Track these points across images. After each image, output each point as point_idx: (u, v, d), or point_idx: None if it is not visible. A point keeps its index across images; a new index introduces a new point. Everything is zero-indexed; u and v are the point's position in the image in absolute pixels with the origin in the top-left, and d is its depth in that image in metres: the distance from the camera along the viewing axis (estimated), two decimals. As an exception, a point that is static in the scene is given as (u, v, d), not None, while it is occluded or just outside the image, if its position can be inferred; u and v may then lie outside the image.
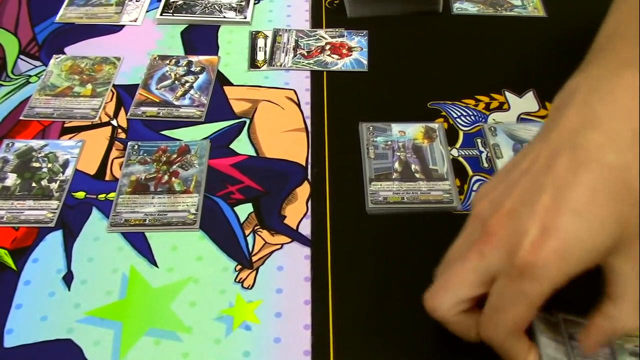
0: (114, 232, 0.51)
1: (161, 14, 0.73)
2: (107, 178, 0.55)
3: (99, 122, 0.61)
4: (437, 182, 0.54)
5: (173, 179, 0.55)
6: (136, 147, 0.58)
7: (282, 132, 0.60)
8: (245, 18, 0.72)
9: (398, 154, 0.57)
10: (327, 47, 0.68)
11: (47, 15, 0.73)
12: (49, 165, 0.56)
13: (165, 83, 0.64)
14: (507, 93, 0.63)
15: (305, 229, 0.51)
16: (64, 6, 0.75)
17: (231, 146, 0.58)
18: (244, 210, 0.53)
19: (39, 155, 0.57)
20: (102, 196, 0.54)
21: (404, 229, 0.51)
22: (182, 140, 0.58)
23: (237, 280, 0.48)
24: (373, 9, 0.72)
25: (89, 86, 0.64)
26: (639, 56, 0.39)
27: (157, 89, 0.64)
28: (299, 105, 0.62)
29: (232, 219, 0.52)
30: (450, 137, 0.59)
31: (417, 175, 0.55)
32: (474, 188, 0.54)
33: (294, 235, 0.51)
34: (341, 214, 0.52)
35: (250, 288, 0.48)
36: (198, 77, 0.65)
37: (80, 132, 0.60)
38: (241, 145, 0.58)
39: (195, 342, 0.44)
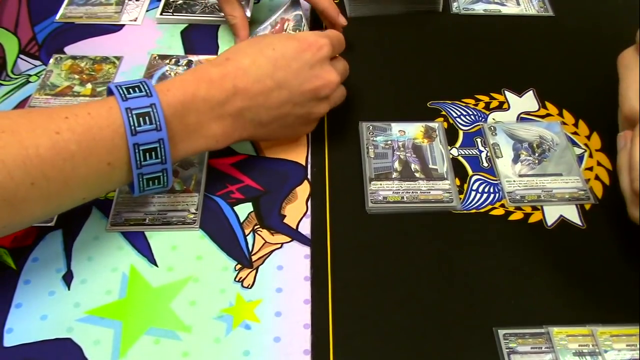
0: (113, 232, 0.51)
1: (161, 14, 0.73)
2: (107, 177, 0.55)
3: (99, 121, 0.61)
4: (437, 181, 0.54)
5: (173, 178, 0.55)
6: (136, 146, 0.57)
7: (282, 132, 0.60)
8: (245, 17, 0.72)
9: (398, 153, 0.57)
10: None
11: (47, 14, 0.73)
12: (49, 164, 0.56)
13: (165, 82, 0.64)
14: (506, 92, 0.63)
15: (305, 228, 0.51)
16: (63, 5, 0.75)
17: (231, 145, 0.58)
18: (244, 209, 0.53)
19: (39, 155, 0.57)
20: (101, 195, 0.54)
21: (404, 228, 0.51)
22: (182, 140, 0.58)
23: (237, 279, 0.48)
24: (373, 8, 0.72)
25: (89, 85, 0.64)
26: None
27: (157, 88, 0.64)
28: (298, 104, 0.62)
29: (232, 219, 0.52)
30: (450, 137, 0.59)
31: (417, 175, 0.55)
32: (474, 187, 0.54)
33: (294, 234, 0.51)
34: (341, 214, 0.52)
35: (250, 287, 0.48)
36: (198, 77, 0.65)
37: (80, 131, 0.60)
38: (241, 145, 0.58)
39: (195, 341, 0.44)
